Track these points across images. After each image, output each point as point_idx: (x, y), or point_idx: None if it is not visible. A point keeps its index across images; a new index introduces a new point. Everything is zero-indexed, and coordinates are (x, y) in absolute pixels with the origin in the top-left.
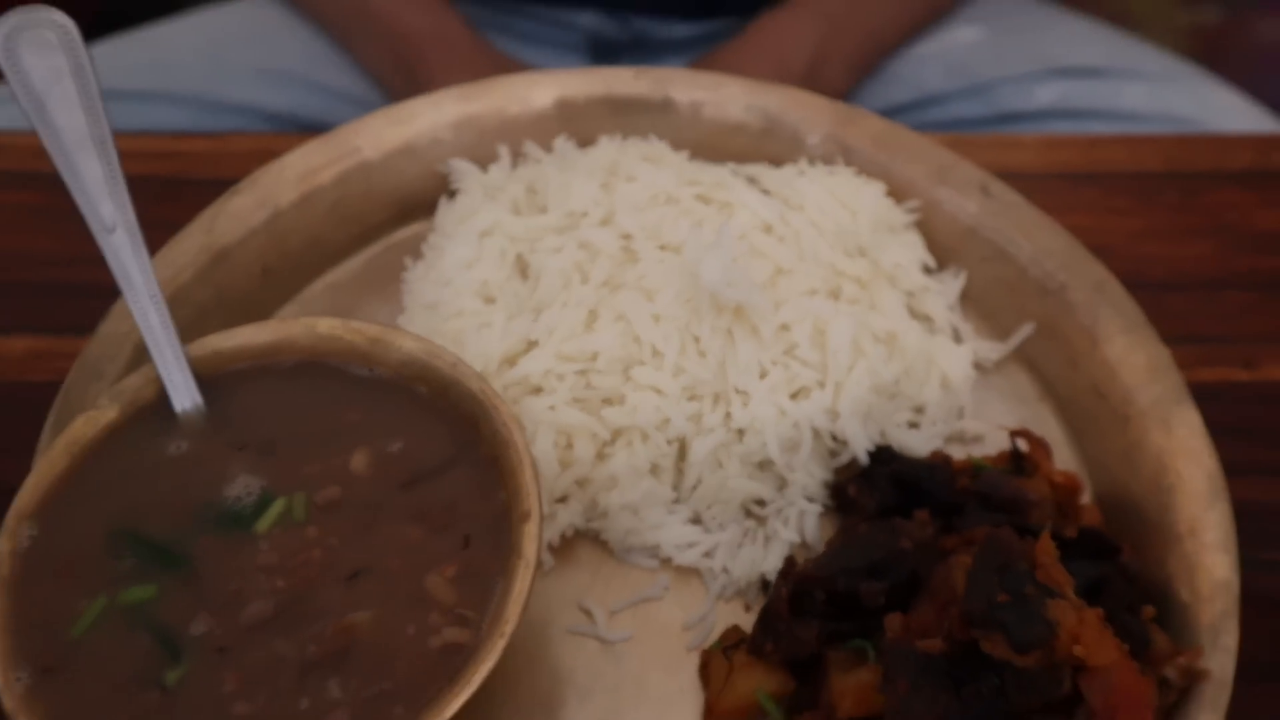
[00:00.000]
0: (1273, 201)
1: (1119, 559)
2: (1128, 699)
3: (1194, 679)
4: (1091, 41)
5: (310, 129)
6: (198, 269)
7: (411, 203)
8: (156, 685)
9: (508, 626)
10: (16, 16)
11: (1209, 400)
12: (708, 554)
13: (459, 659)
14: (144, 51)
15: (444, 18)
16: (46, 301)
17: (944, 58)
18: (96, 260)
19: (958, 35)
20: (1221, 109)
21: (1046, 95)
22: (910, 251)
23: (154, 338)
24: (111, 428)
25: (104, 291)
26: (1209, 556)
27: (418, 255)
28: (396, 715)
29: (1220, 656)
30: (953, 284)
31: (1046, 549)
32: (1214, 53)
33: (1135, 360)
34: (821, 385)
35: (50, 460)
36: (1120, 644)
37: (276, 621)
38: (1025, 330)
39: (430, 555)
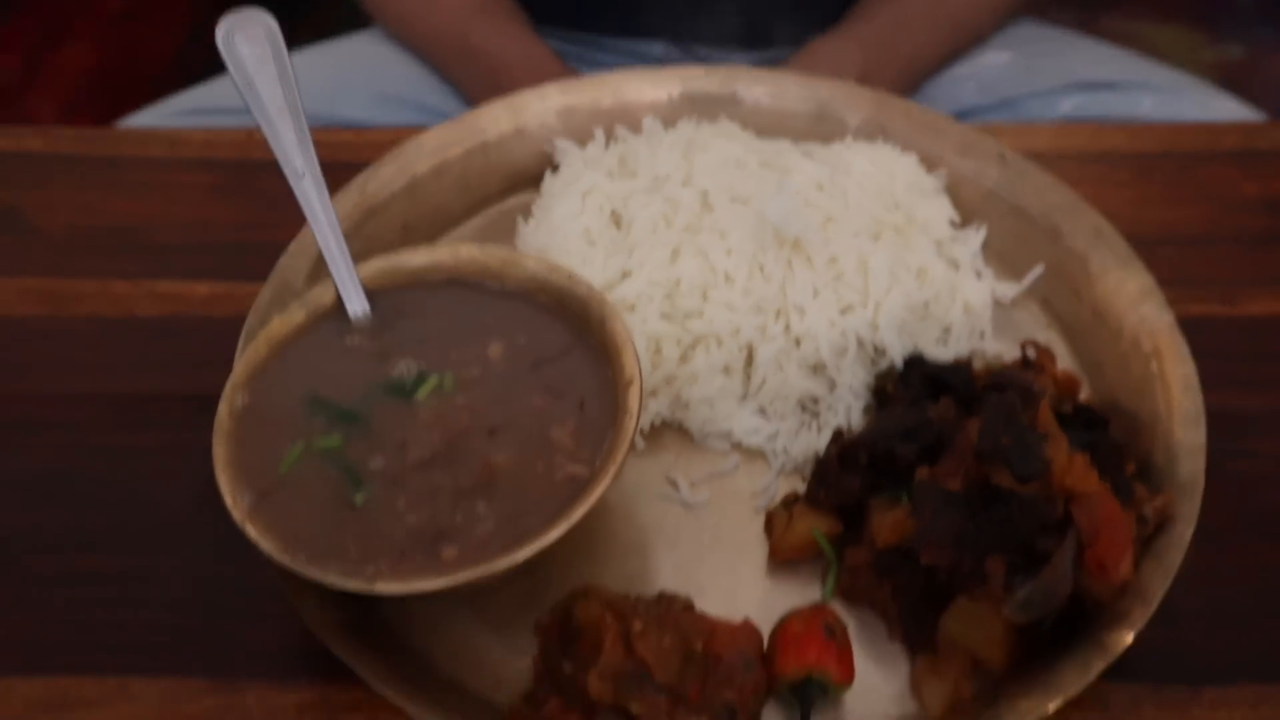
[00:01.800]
0: (1256, 176)
1: (1107, 430)
2: (1109, 522)
3: (1166, 518)
4: (1110, 60)
5: None
6: (352, 223)
7: (521, 176)
8: (347, 504)
9: (618, 458)
10: (232, 17)
11: (1193, 330)
12: (771, 438)
13: (578, 486)
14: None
15: (535, 49)
16: (224, 258)
17: (976, 77)
18: (264, 225)
19: (989, 59)
20: (1224, 112)
21: (1066, 105)
22: (939, 209)
23: (333, 258)
24: (300, 326)
25: (272, 249)
26: (1182, 429)
27: (527, 217)
28: (532, 524)
29: (1187, 504)
30: (975, 236)
31: (1044, 412)
32: (1236, 88)
33: (1127, 288)
34: (864, 304)
35: (254, 348)
36: (1103, 482)
37: (434, 461)
38: (1036, 271)
39: (553, 415)
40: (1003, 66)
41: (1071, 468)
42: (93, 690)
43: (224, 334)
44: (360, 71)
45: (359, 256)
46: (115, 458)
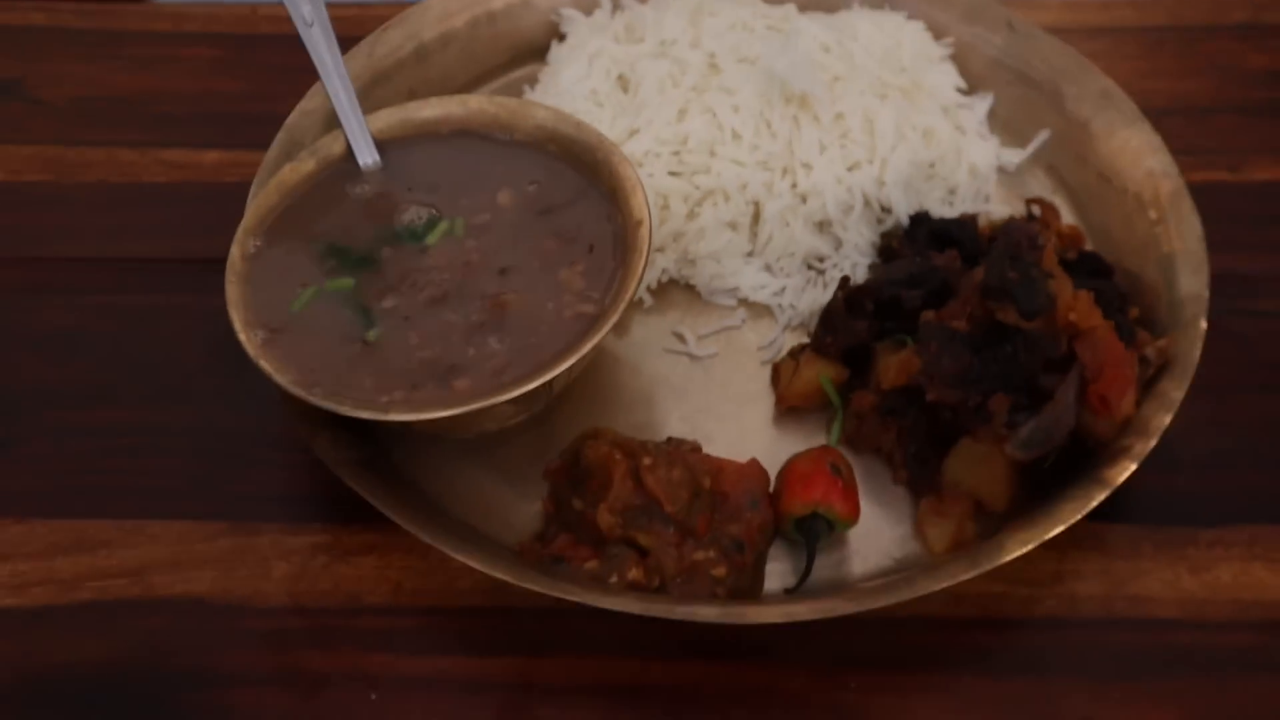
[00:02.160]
0: (1262, 49)
1: (1113, 277)
2: (1113, 358)
3: (1168, 360)
4: None
5: None
6: (361, 85)
7: (528, 48)
8: (360, 340)
9: (626, 294)
10: None
11: (1199, 195)
12: (777, 294)
13: (586, 323)
14: None
15: None
16: (230, 127)
17: None
18: (269, 97)
19: None
20: None
21: None
22: (945, 76)
23: (342, 107)
24: (310, 175)
25: (277, 120)
26: (1186, 277)
27: (534, 87)
28: (543, 357)
29: (1187, 347)
30: (981, 104)
31: (1049, 253)
32: None
33: (1133, 146)
34: (870, 161)
35: (265, 194)
36: (1106, 320)
37: (445, 300)
38: (1042, 136)
39: (563, 257)
40: None
41: (1076, 304)
42: (112, 532)
43: (231, 199)
44: None
45: (370, 114)
46: (126, 318)
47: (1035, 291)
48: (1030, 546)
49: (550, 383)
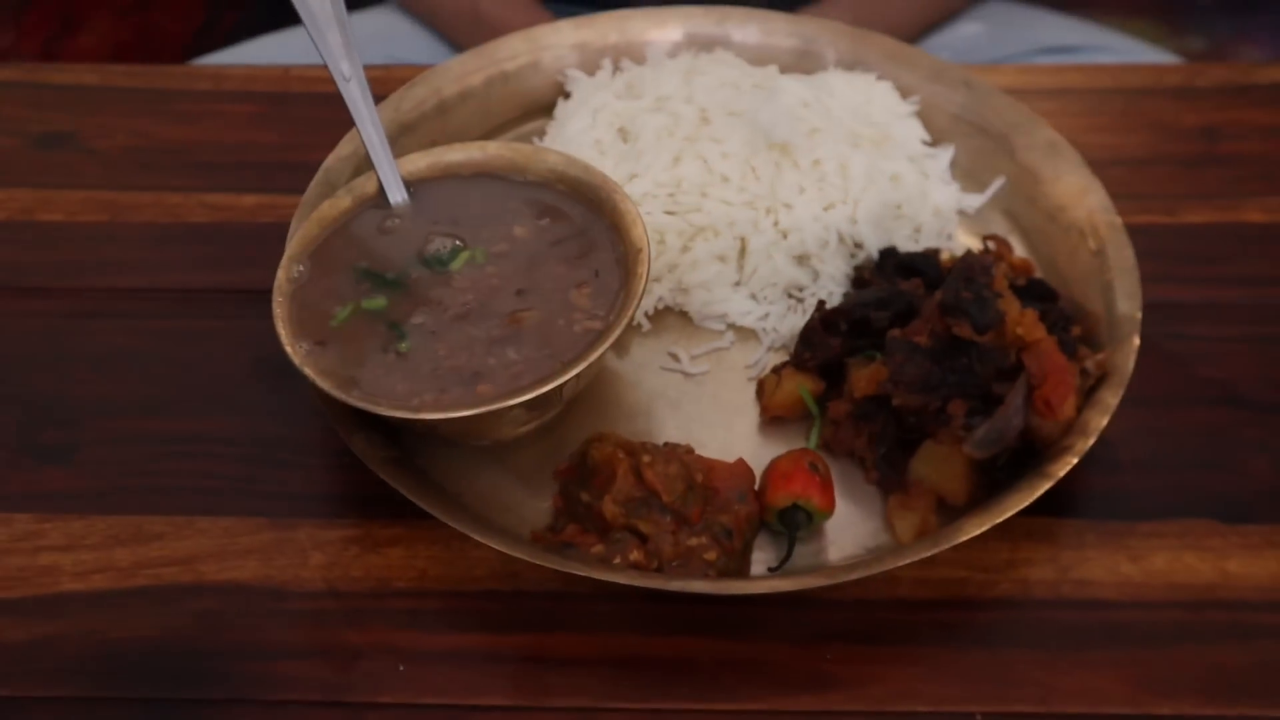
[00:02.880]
0: (1195, 109)
1: (1057, 301)
2: (1055, 367)
3: (1105, 371)
4: (1075, 28)
5: None
6: (389, 134)
7: (535, 106)
8: (393, 350)
9: (628, 312)
10: None
11: (1140, 235)
12: (761, 319)
13: (593, 336)
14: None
15: (542, 17)
16: (267, 174)
17: (950, 46)
18: (302, 147)
19: (962, 29)
20: None
21: None
22: (912, 130)
23: (375, 151)
24: (347, 210)
25: (310, 166)
26: (1121, 300)
27: (543, 138)
28: (557, 366)
29: (1122, 360)
30: (944, 154)
31: (1000, 277)
32: None
33: (1076, 188)
34: (844, 202)
35: (307, 226)
36: (1050, 335)
37: (469, 317)
38: (998, 182)
39: (572, 280)
40: (974, 36)
41: (1023, 320)
42: (163, 526)
43: (269, 238)
44: (374, 41)
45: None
46: (174, 339)
47: (987, 308)
48: (984, 528)
49: (561, 388)
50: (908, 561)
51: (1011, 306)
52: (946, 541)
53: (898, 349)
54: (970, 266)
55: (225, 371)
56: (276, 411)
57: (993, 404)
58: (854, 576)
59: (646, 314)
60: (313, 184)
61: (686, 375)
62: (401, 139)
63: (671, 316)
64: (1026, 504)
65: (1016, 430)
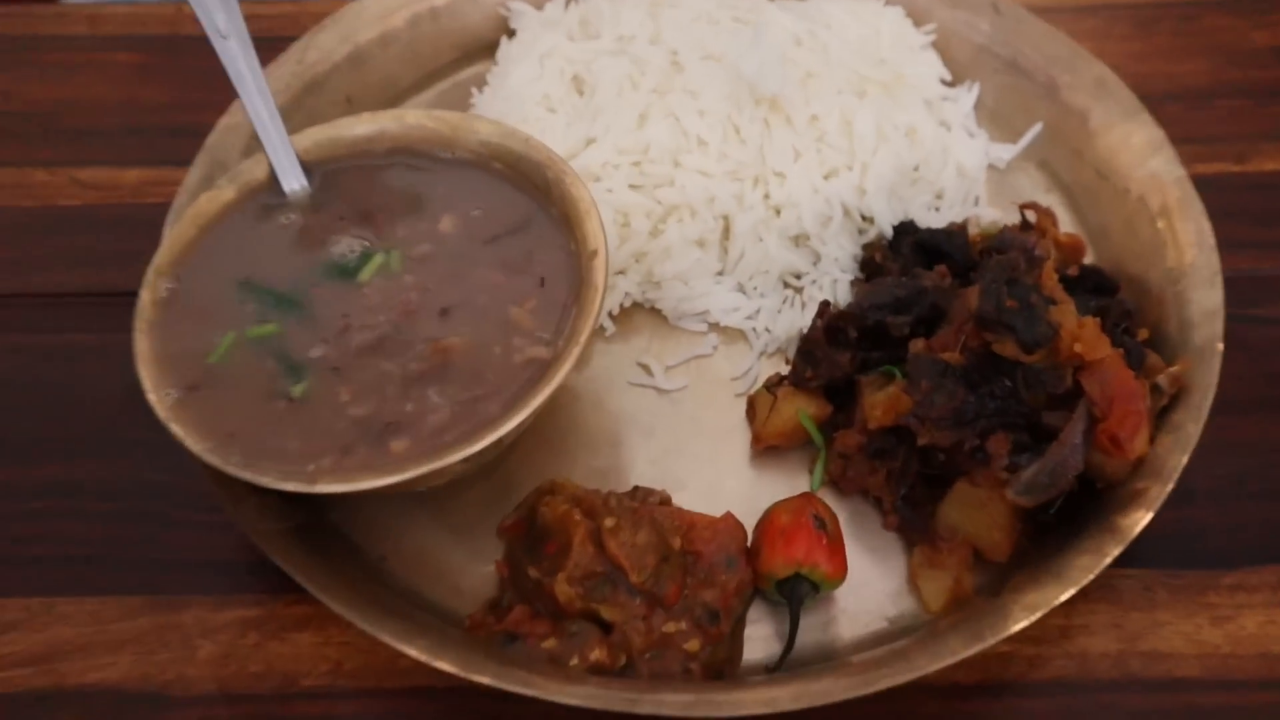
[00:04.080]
0: (1263, 24)
1: (1117, 294)
2: (1122, 391)
3: (1181, 387)
4: None
5: None
6: (292, 94)
7: (475, 46)
8: (284, 396)
9: (581, 337)
10: None
11: (1205, 189)
12: (750, 317)
13: (539, 368)
14: None
15: None
16: (154, 142)
17: None
18: (194, 106)
19: None
20: None
21: None
22: (928, 66)
23: (264, 128)
24: (230, 204)
25: (203, 130)
26: (1198, 291)
27: (482, 88)
28: (491, 411)
29: (1205, 370)
30: (967, 95)
31: (1049, 273)
32: None
33: (1134, 142)
34: (850, 167)
35: (179, 229)
36: (1115, 348)
37: (380, 347)
38: (1034, 130)
39: (511, 293)
40: None
41: (1082, 333)
42: (16, 613)
43: (154, 224)
44: None
45: (299, 132)
46: (37, 359)
47: (1036, 321)
48: (1038, 615)
49: (500, 439)
50: (940, 666)
51: (1068, 316)
52: (991, 633)
53: (923, 371)
54: (1012, 262)
55: (98, 399)
56: (158, 451)
57: (1043, 438)
58: (874, 689)
59: (611, 314)
60: (194, 165)
61: (660, 392)
62: (309, 98)
63: (641, 316)
64: (1091, 577)
65: (1075, 472)
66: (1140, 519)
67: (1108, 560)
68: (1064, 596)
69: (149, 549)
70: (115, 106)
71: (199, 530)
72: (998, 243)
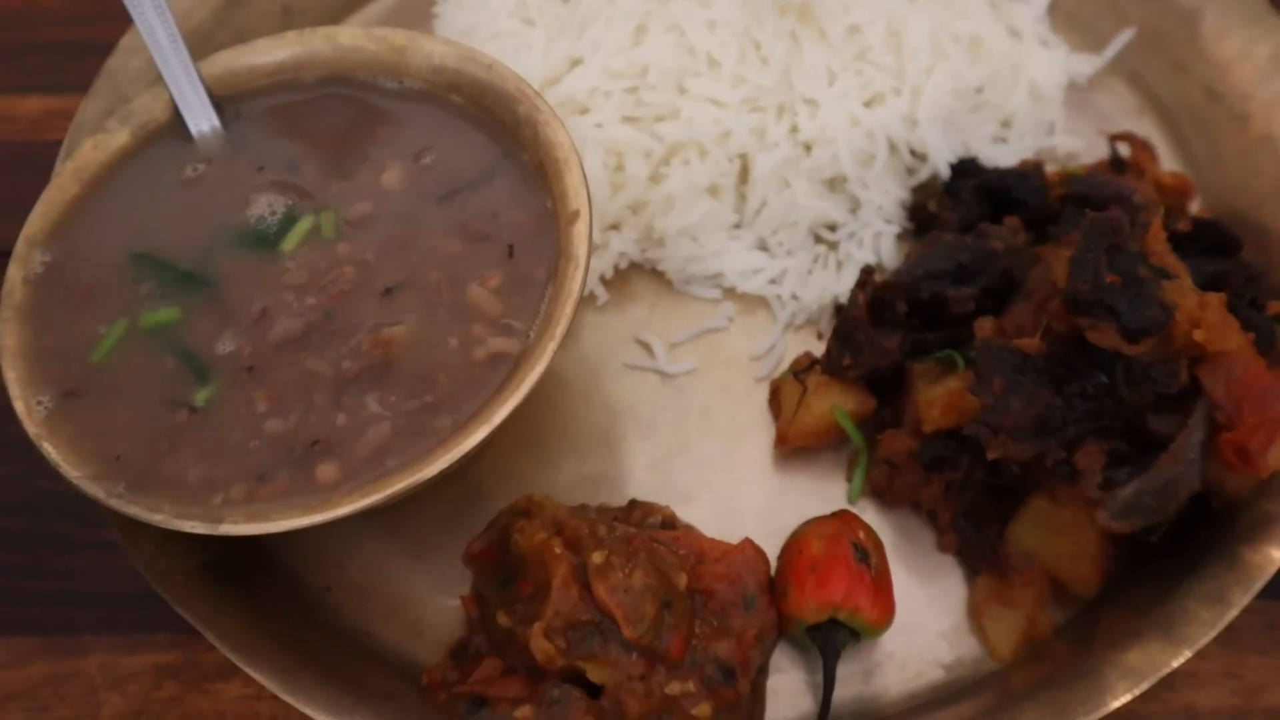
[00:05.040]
0: None
1: (1239, 254)
2: (1253, 390)
3: None
4: None
5: None
6: (214, 6)
7: None
8: (185, 405)
9: (558, 330)
10: None
11: None
12: (774, 280)
13: (506, 367)
14: None
15: None
16: (57, 61)
17: None
18: (108, 17)
19: None
20: None
21: None
22: None
23: (162, 54)
24: (123, 152)
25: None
26: None
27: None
28: (442, 426)
29: None
30: None
31: (1158, 235)
32: None
33: (1258, 53)
34: (897, 91)
35: (60, 186)
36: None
37: (308, 339)
38: (1125, 36)
39: (471, 267)
40: None
41: (1203, 316)
42: None
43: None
44: None
45: (206, 59)
46: None
47: (1145, 301)
48: (1144, 686)
49: (456, 461)
50: None
51: (1185, 295)
52: (1084, 710)
53: (995, 365)
54: (1114, 224)
55: None
56: None
57: (1148, 449)
58: None
59: (604, 278)
60: (89, 95)
61: (664, 376)
62: (237, 11)
63: (640, 280)
64: (1214, 634)
65: (1190, 491)
66: (1275, 556)
67: (1233, 613)
68: (1177, 662)
69: (46, 578)
70: (12, 18)
71: (105, 552)
72: (1085, 187)
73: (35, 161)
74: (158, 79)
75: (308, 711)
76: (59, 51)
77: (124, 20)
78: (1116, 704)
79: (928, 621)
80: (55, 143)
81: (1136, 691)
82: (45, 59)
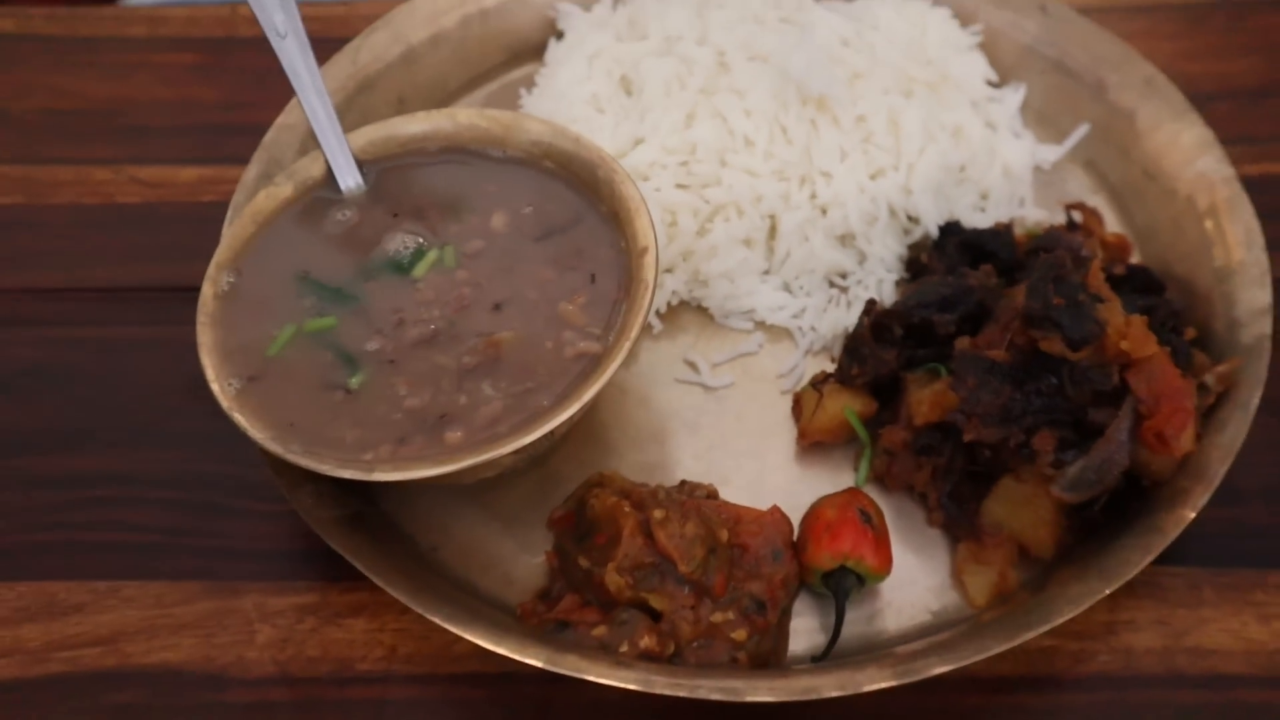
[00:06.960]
0: None
1: (1164, 293)
2: (1170, 388)
3: (1229, 385)
4: None
5: None
6: (346, 94)
7: (523, 47)
8: (341, 388)
9: (632, 332)
10: None
11: (1255, 191)
12: (796, 315)
13: (589, 363)
14: None
15: None
16: (209, 140)
17: None
18: (253, 105)
19: None
20: None
21: None
22: (974, 67)
23: (320, 126)
24: (288, 200)
25: (260, 129)
26: (1247, 290)
27: (531, 89)
28: (542, 403)
29: (1253, 369)
30: (1014, 96)
31: (1095, 272)
32: None
33: (1182, 141)
34: (896, 167)
35: (240, 225)
36: (1162, 346)
37: (435, 340)
38: (1081, 130)
39: (562, 289)
40: None
41: (1128, 331)
42: (83, 595)
43: (211, 221)
44: None
45: (352, 131)
46: (99, 352)
47: (1083, 318)
48: (1082, 607)
49: (551, 432)
50: (987, 656)
51: (1114, 314)
52: (1039, 622)
53: (969, 369)
54: (1059, 260)
55: (158, 393)
56: (218, 442)
57: (1089, 435)
58: (918, 677)
59: (658, 312)
60: (252, 163)
61: (707, 389)
62: (361, 97)
63: (688, 313)
64: (1135, 572)
65: (1121, 468)
66: (1184, 517)
67: (1151, 557)
68: (1108, 590)
69: (208, 537)
70: (172, 106)
71: (255, 519)
72: (1044, 242)
73: (193, 217)
74: (312, 146)
75: (437, 620)
76: (210, 132)
77: (265, 108)
78: (1060, 620)
79: (919, 579)
80: (209, 203)
81: (1076, 611)
82: (199, 138)
